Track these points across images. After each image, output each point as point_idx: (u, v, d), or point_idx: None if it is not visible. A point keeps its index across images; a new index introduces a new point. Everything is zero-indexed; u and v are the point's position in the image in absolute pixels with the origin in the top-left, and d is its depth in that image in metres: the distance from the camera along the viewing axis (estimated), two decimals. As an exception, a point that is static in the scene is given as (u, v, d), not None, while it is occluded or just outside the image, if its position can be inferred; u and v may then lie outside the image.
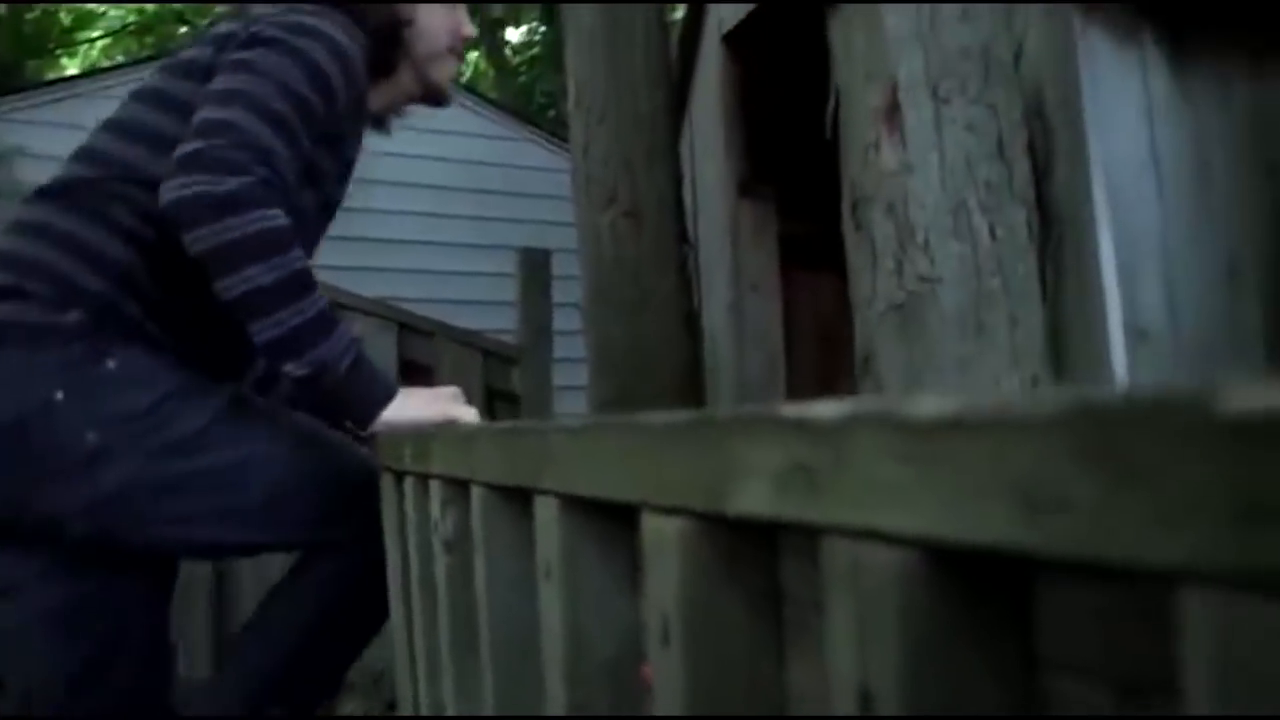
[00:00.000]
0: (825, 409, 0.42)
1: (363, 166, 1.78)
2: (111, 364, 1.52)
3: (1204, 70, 1.93)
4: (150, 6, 12.46)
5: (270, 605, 1.77)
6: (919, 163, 1.61)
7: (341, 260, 4.06)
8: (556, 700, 0.78)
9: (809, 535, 0.46)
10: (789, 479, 0.44)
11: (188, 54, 1.64)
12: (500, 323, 4.07)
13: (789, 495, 0.45)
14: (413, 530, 1.24)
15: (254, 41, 1.50)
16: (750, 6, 3.02)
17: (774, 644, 0.57)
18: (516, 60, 12.88)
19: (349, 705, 1.85)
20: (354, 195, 1.77)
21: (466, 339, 3.58)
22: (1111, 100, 1.82)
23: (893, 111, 1.63)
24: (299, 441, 1.64)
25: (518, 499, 0.86)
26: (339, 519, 1.63)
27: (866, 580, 0.42)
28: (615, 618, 0.75)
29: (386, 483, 1.41)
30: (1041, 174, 1.79)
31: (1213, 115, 1.92)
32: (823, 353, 3.21)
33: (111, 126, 1.62)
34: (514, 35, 13.23)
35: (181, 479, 1.54)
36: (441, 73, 1.77)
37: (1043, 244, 1.73)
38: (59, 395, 1.49)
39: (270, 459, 1.58)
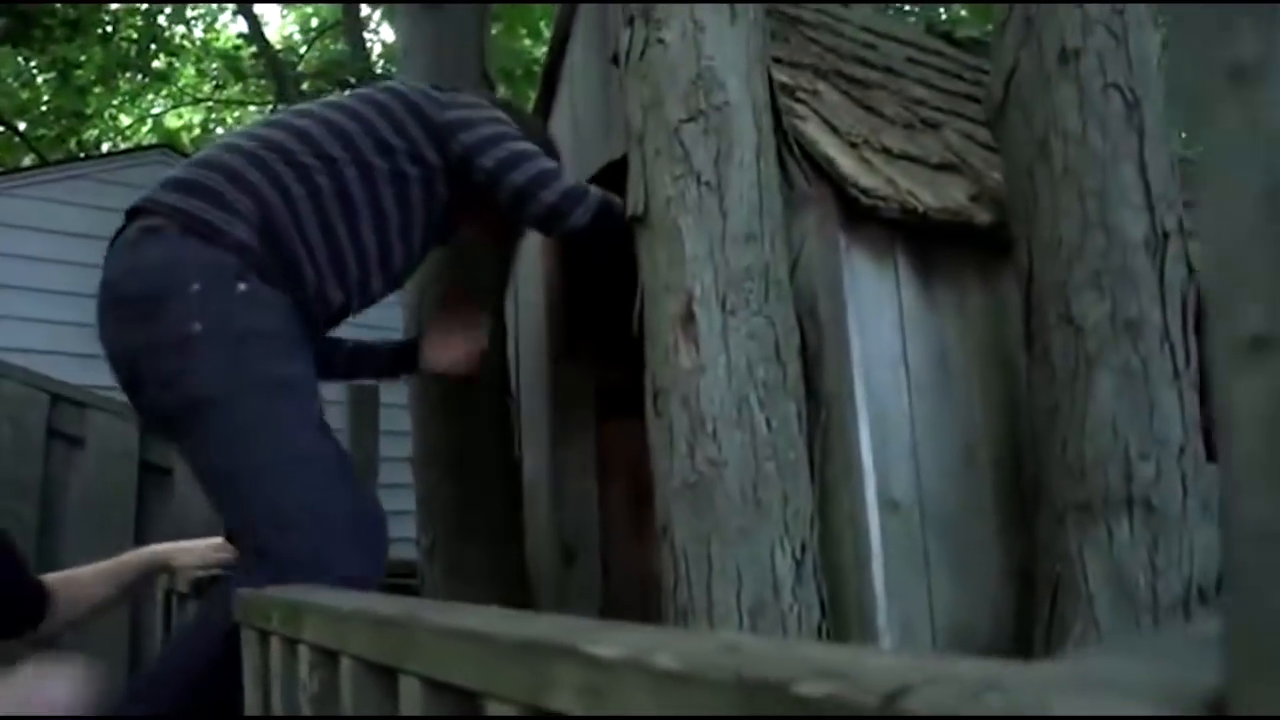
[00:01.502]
0: (608, 650, 0.68)
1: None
2: (243, 286, 2.00)
3: (945, 281, 2.31)
4: None
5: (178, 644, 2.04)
6: (709, 363, 1.90)
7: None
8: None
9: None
10: (584, 693, 0.70)
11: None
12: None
13: (584, 702, 0.70)
14: (278, 684, 1.42)
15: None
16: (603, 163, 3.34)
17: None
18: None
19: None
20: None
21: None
22: (870, 306, 2.17)
23: (688, 320, 1.93)
24: (341, 472, 2.03)
25: (386, 675, 1.07)
26: (332, 556, 1.86)
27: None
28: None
29: (250, 638, 1.59)
30: (811, 367, 2.12)
31: (953, 319, 2.30)
32: (634, 488, 3.44)
33: (306, 115, 2.30)
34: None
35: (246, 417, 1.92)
36: None
37: (811, 428, 2.05)
38: (195, 287, 1.95)
39: (320, 468, 1.99)
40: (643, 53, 2.09)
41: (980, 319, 2.33)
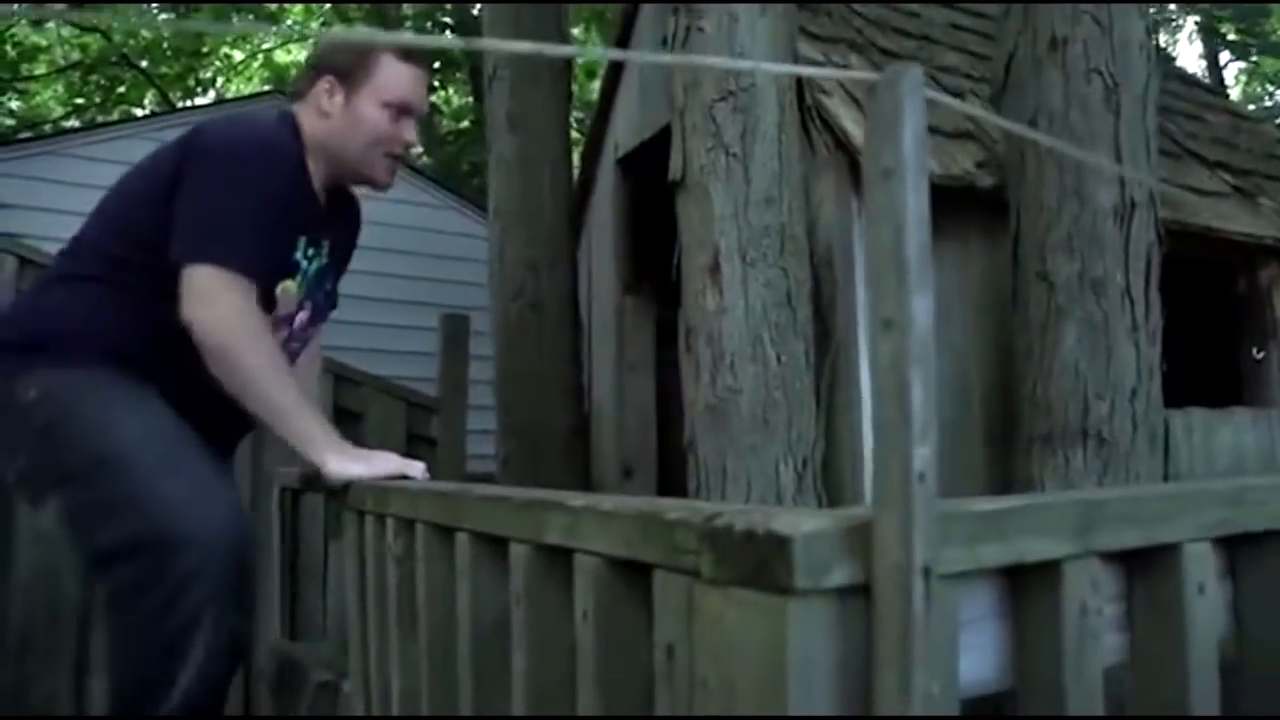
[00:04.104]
0: (577, 501, 1.07)
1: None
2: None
3: (950, 239, 2.65)
4: (94, 46, 12.80)
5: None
6: (730, 307, 2.28)
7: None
8: (464, 655, 1.42)
9: (567, 555, 1.10)
10: (570, 528, 1.09)
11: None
12: (421, 370, 4.62)
13: (571, 535, 1.10)
14: (370, 550, 1.85)
15: None
16: (642, 138, 3.71)
17: (567, 609, 1.22)
18: (445, 130, 13.42)
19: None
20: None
21: (392, 390, 4.14)
22: (878, 261, 2.52)
23: (715, 270, 2.31)
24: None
25: (446, 533, 1.48)
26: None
27: (584, 570, 1.06)
28: (494, 597, 1.39)
29: (350, 519, 2.02)
30: (825, 313, 2.49)
31: (955, 273, 2.64)
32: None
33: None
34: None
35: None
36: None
37: (819, 362, 2.42)
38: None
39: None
40: (685, 39, 2.44)
41: (979, 273, 2.67)
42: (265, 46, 13.79)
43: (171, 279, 1.90)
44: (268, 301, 2.05)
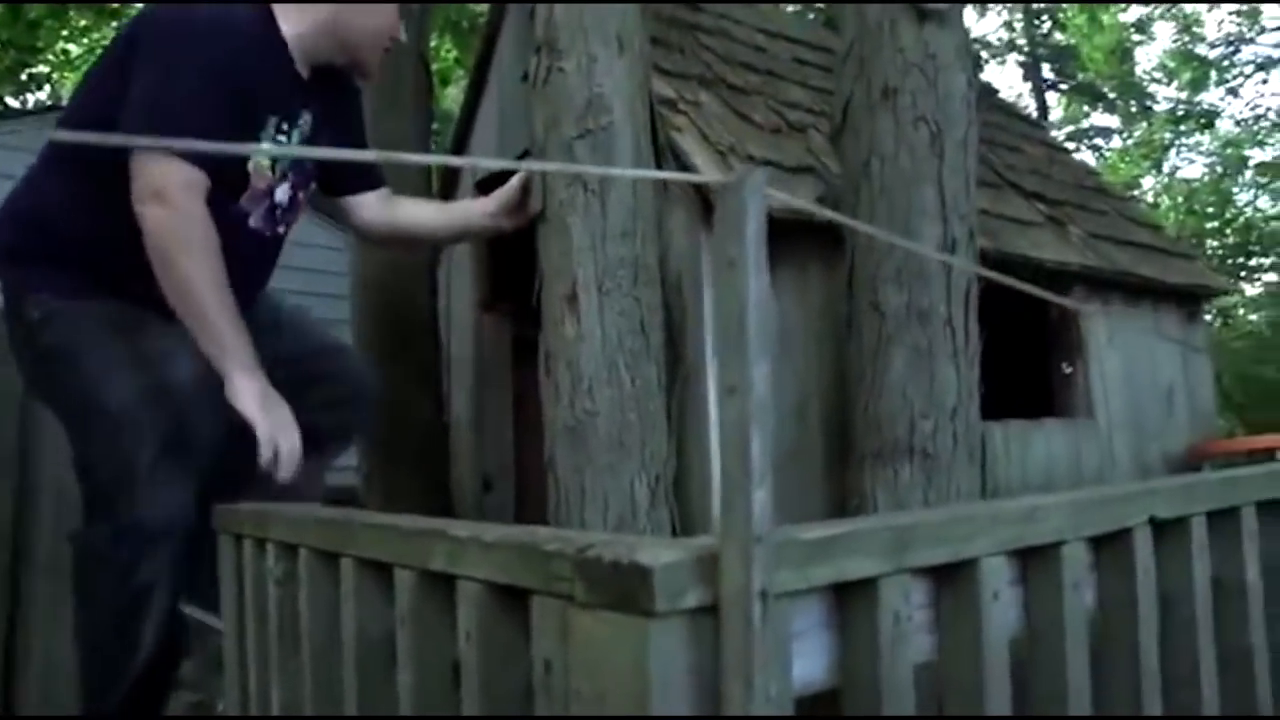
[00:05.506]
0: (460, 531, 1.20)
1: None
2: None
3: (791, 269, 2.85)
4: None
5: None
6: (587, 334, 2.42)
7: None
8: (349, 673, 1.52)
9: (449, 581, 1.23)
10: (453, 556, 1.22)
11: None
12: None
13: (455, 563, 1.22)
14: (249, 573, 1.92)
15: None
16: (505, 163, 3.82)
17: (450, 630, 1.34)
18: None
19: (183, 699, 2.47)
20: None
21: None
22: (726, 289, 2.70)
23: (573, 299, 2.45)
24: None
25: (330, 558, 1.58)
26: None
27: (467, 595, 1.19)
28: (379, 619, 1.49)
29: (226, 541, 2.08)
30: (676, 338, 2.65)
31: (795, 301, 2.84)
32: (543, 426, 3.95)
33: None
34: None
35: None
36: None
37: (670, 385, 2.59)
38: None
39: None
40: (546, 79, 2.58)
41: (818, 302, 2.87)
42: (105, 42, 13.38)
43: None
44: (238, 179, 2.09)
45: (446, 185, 4.22)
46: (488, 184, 3.92)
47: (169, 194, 1.90)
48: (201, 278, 1.93)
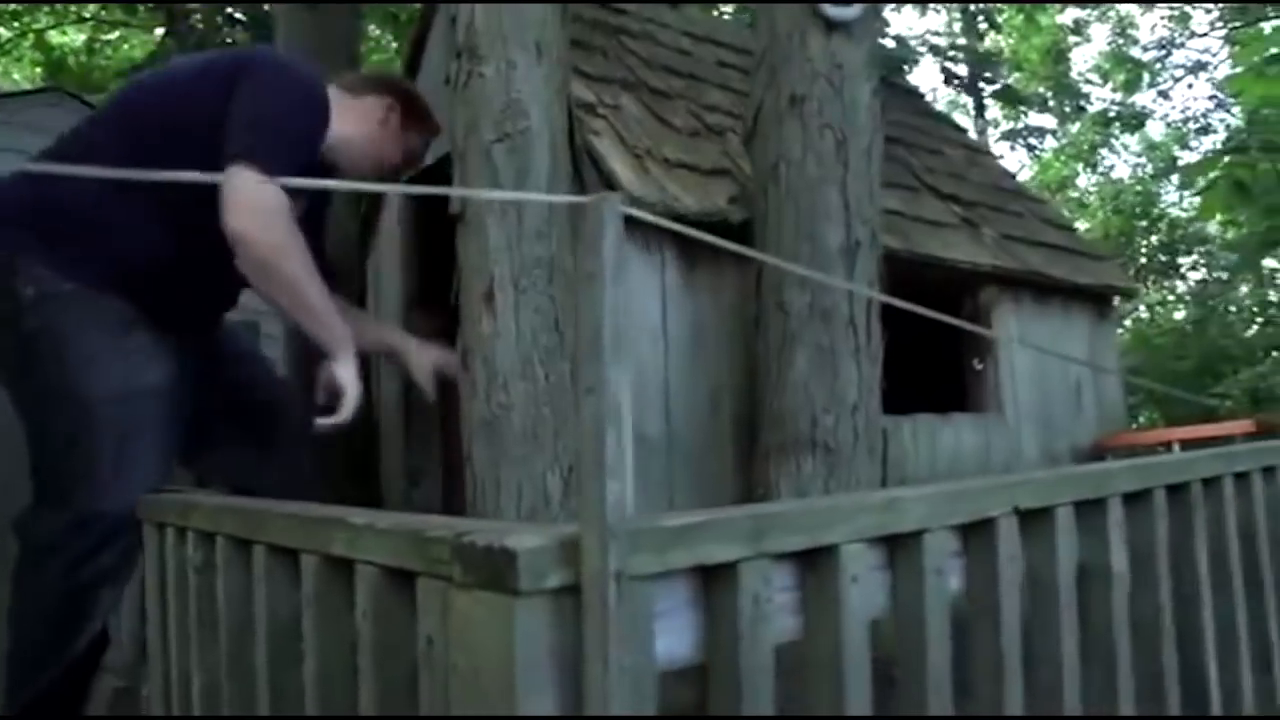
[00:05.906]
0: (358, 519, 1.29)
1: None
2: None
3: (704, 268, 2.95)
4: None
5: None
6: (503, 331, 2.51)
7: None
8: (261, 653, 1.60)
9: (349, 565, 1.31)
10: (351, 541, 1.30)
11: None
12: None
13: (353, 548, 1.30)
14: (170, 561, 1.99)
15: None
16: (427, 162, 3.89)
17: (349, 609, 1.42)
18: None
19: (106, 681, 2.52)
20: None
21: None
22: (637, 287, 2.80)
23: (490, 297, 2.53)
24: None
25: (244, 545, 1.66)
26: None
27: (363, 577, 1.28)
28: (287, 601, 1.57)
29: (150, 532, 2.14)
30: (591, 335, 2.74)
31: (708, 298, 2.95)
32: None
33: None
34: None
35: None
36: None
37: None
38: None
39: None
40: (466, 83, 2.66)
41: (731, 300, 2.98)
42: (36, 26, 13.15)
43: (184, 189, 2.08)
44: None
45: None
46: (416, 181, 3.98)
47: (264, 204, 2.12)
48: (307, 279, 2.21)
